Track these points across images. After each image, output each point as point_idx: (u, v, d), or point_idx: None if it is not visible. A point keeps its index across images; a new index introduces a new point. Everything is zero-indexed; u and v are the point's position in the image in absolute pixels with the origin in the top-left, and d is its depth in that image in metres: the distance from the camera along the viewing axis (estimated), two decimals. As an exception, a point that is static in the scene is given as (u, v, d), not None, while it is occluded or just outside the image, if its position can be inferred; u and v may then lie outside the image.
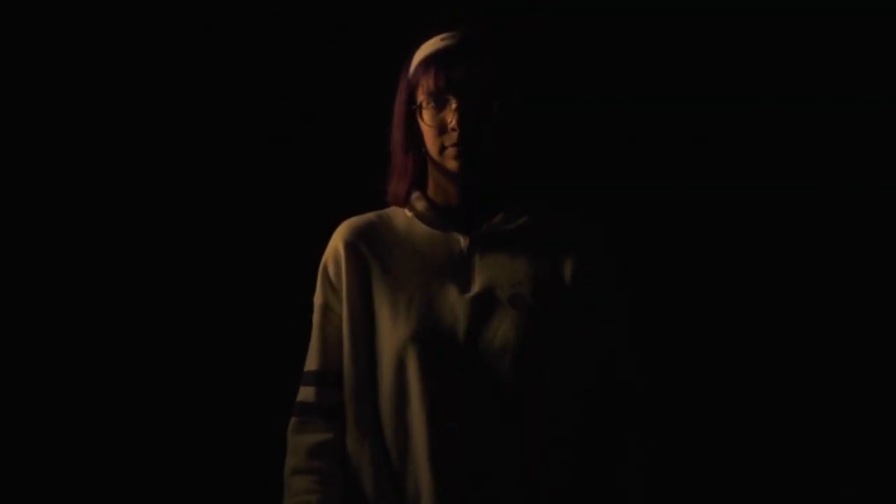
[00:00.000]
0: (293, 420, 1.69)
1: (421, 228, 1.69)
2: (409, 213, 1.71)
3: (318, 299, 1.71)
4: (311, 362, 1.70)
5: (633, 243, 2.37)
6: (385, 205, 1.76)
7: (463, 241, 1.67)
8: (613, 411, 1.65)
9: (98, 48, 2.44)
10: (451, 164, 1.62)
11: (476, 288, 1.62)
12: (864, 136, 2.43)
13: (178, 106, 2.44)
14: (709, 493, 2.40)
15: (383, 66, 1.85)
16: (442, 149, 1.63)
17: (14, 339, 2.39)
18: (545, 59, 2.42)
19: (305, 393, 1.69)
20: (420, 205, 1.70)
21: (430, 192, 1.71)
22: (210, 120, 2.45)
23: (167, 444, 2.41)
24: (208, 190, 2.45)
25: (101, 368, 2.41)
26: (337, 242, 1.70)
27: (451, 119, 1.60)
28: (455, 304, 1.61)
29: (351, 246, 1.68)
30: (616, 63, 2.46)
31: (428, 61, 1.63)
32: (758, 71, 2.45)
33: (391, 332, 1.61)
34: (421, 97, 1.64)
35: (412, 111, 1.66)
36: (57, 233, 2.41)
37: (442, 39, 1.65)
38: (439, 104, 1.62)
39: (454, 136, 1.60)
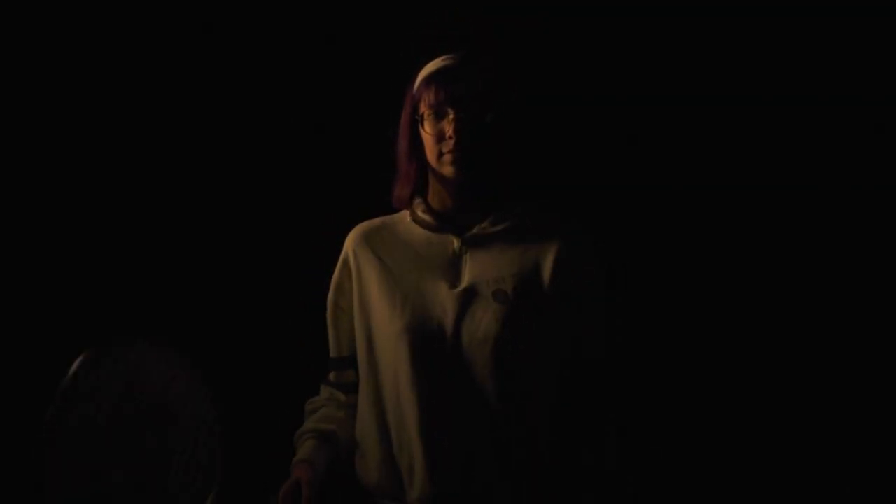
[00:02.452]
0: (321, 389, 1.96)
1: (419, 231, 1.88)
2: (409, 218, 1.90)
3: (330, 296, 1.93)
4: (331, 350, 1.95)
5: (628, 243, 2.44)
6: (394, 210, 1.95)
7: (456, 242, 1.85)
8: (587, 399, 1.81)
9: (99, 50, 2.48)
10: (448, 170, 1.80)
11: (464, 284, 1.80)
12: (864, 136, 2.44)
13: (190, 109, 2.52)
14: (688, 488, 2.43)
15: (391, 73, 2.01)
16: (440, 155, 1.80)
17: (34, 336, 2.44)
18: (543, 60, 2.46)
19: (329, 375, 1.95)
20: (419, 210, 1.89)
21: (429, 197, 1.89)
22: (227, 125, 2.53)
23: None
24: (237, 197, 2.54)
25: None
26: (347, 247, 1.92)
27: (449, 128, 1.78)
28: (444, 298, 1.79)
29: (358, 249, 1.89)
30: (614, 63, 2.49)
31: (430, 78, 1.83)
32: (758, 71, 2.46)
33: (389, 324, 1.80)
34: (423, 109, 1.83)
35: (415, 122, 1.85)
36: (64, 239, 2.48)
37: (443, 60, 1.85)
38: (439, 115, 1.80)
39: (451, 143, 1.78)
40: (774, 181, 2.46)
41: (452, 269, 1.82)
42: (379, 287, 1.82)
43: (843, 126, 2.44)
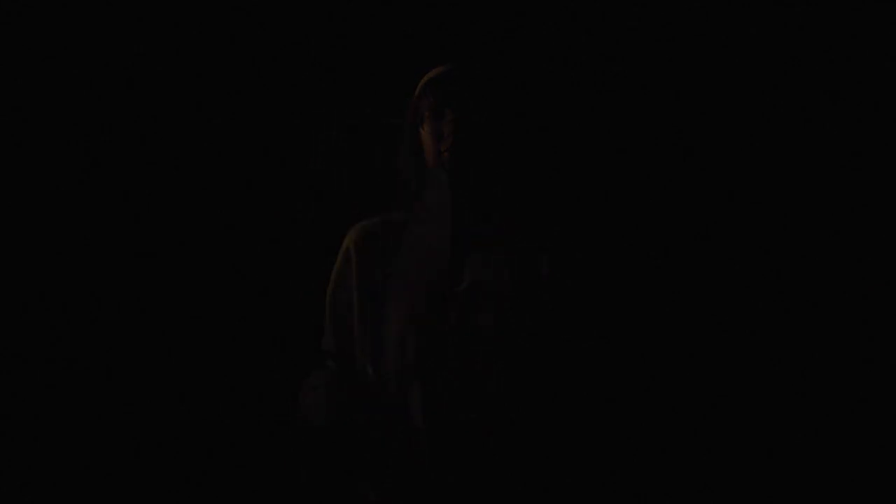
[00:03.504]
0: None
1: (421, 230, 1.92)
2: (410, 217, 1.94)
3: (330, 290, 1.96)
4: (328, 342, 1.96)
5: (626, 243, 2.45)
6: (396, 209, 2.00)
7: (456, 242, 1.88)
8: (579, 394, 1.86)
9: (100, 51, 2.47)
10: (446, 169, 1.86)
11: (464, 283, 1.84)
12: (864, 136, 2.44)
13: (189, 109, 2.53)
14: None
15: (394, 79, 2.14)
16: (439, 154, 1.87)
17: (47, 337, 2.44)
18: (540, 63, 2.48)
19: (327, 365, 1.97)
20: (421, 210, 1.93)
21: (431, 198, 1.92)
22: (228, 126, 2.54)
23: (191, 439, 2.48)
24: (244, 196, 2.56)
25: (122, 369, 2.48)
26: (348, 243, 1.94)
27: (446, 129, 1.85)
28: (445, 297, 1.83)
29: (359, 246, 1.92)
30: (612, 64, 2.51)
31: (429, 83, 1.91)
32: (758, 71, 2.46)
33: (392, 322, 1.83)
34: (423, 111, 1.90)
35: (417, 124, 1.92)
36: (66, 241, 2.48)
37: (443, 66, 1.92)
38: (438, 117, 1.87)
39: (448, 142, 1.85)
40: (774, 181, 2.48)
41: (453, 269, 1.86)
42: (381, 284, 1.87)
43: (844, 126, 2.45)
